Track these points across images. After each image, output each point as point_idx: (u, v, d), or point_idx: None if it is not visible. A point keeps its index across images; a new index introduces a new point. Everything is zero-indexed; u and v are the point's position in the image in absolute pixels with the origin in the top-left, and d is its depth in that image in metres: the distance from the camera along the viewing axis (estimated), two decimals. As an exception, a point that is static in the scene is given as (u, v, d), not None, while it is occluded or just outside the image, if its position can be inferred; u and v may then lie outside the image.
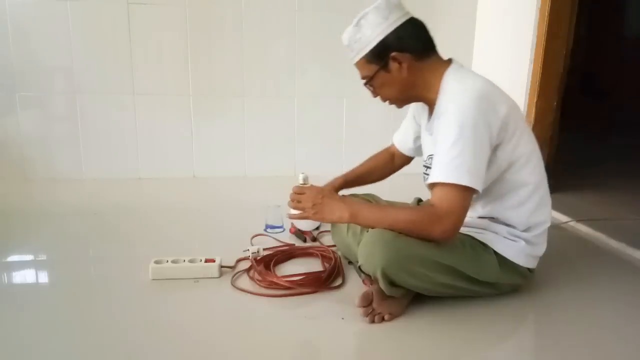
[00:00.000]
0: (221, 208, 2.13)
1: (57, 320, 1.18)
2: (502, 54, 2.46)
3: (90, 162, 2.48)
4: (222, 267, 1.42)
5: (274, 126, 2.62)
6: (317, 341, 1.13)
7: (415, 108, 1.47)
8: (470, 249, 1.21)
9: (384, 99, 1.31)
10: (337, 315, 1.21)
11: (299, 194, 1.27)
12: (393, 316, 1.19)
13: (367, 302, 1.19)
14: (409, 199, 1.55)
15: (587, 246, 1.77)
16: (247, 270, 1.44)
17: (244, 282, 1.39)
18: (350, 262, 1.50)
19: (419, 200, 1.54)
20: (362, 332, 1.16)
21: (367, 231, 1.17)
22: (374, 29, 1.19)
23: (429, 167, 1.22)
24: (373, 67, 1.23)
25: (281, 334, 1.15)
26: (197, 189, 2.44)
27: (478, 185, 1.11)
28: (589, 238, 1.83)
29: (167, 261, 1.40)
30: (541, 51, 2.14)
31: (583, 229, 1.90)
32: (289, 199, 1.31)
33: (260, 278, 1.38)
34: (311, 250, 1.59)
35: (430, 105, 1.27)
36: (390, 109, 1.38)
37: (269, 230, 1.78)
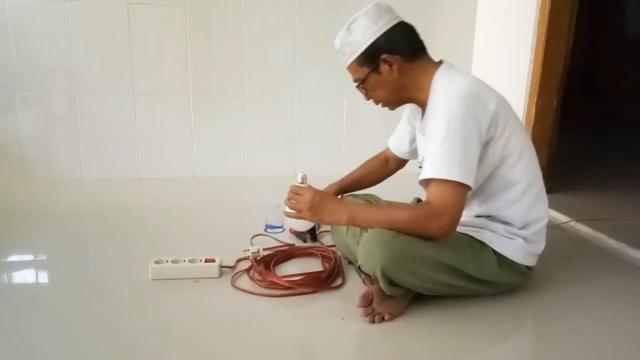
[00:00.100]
0: (221, 208, 2.13)
1: (57, 320, 1.18)
2: (502, 54, 2.46)
3: (90, 162, 2.48)
4: (222, 267, 1.42)
5: (274, 126, 2.62)
6: (317, 341, 1.13)
7: (409, 111, 1.49)
8: (469, 247, 1.21)
9: (377, 101, 1.33)
10: (337, 315, 1.21)
11: (296, 194, 1.27)
12: (393, 316, 1.19)
13: (367, 302, 1.19)
14: (409, 199, 1.54)
15: (587, 246, 1.77)
16: (247, 270, 1.44)
17: (244, 282, 1.39)
18: (350, 262, 1.50)
19: (419, 200, 1.54)
20: (362, 332, 1.16)
21: (367, 231, 1.17)
22: (365, 33, 1.22)
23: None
24: (364, 70, 1.25)
25: (281, 334, 1.15)
26: (197, 189, 2.44)
27: (469, 181, 1.12)
28: (589, 238, 1.83)
29: (167, 261, 1.40)
30: (541, 51, 2.14)
31: (583, 229, 1.90)
32: (286, 197, 1.31)
33: (260, 278, 1.38)
34: (311, 250, 1.59)
35: (422, 106, 1.29)
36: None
37: (269, 230, 1.78)
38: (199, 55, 2.46)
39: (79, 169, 2.47)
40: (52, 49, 2.33)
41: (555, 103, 2.21)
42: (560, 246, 1.73)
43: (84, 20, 2.33)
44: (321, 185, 1.60)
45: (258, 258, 1.48)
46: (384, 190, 1.61)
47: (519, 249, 1.25)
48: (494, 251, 1.23)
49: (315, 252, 1.58)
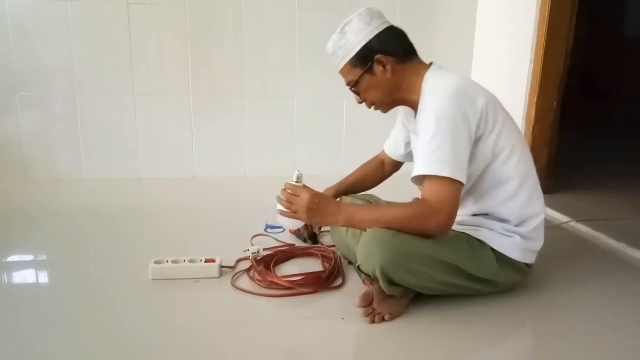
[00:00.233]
0: (221, 208, 2.13)
1: (57, 320, 1.18)
2: (502, 54, 2.46)
3: (90, 162, 2.48)
4: (222, 267, 1.42)
5: (274, 126, 2.62)
6: (317, 341, 1.12)
7: (403, 114, 1.50)
8: (467, 245, 1.22)
9: (370, 104, 1.34)
10: (337, 315, 1.21)
11: (293, 194, 1.25)
12: (393, 316, 1.19)
13: (367, 302, 1.19)
14: (409, 200, 1.54)
15: (587, 246, 1.77)
16: (247, 270, 1.44)
17: (244, 282, 1.39)
18: (350, 262, 1.50)
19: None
20: (362, 332, 1.16)
21: (365, 231, 1.18)
22: (358, 34, 1.24)
23: None
24: (358, 71, 1.27)
25: (281, 334, 1.15)
26: (197, 189, 2.44)
27: (460, 176, 1.12)
28: (589, 238, 1.83)
29: (167, 261, 1.40)
30: (541, 51, 2.14)
31: (583, 229, 1.90)
32: (278, 195, 1.29)
33: (260, 278, 1.38)
34: (311, 250, 1.59)
35: (415, 108, 1.30)
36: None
37: (269, 230, 1.78)
38: (199, 55, 2.46)
39: (79, 169, 2.47)
40: (52, 49, 2.33)
41: (555, 103, 2.21)
42: (560, 246, 1.73)
43: (84, 20, 2.33)
44: (319, 185, 1.60)
45: (258, 258, 1.48)
46: (384, 191, 1.61)
47: (516, 246, 1.25)
48: (493, 249, 1.24)
49: (315, 252, 1.58)
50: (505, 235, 1.26)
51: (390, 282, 1.15)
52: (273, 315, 1.23)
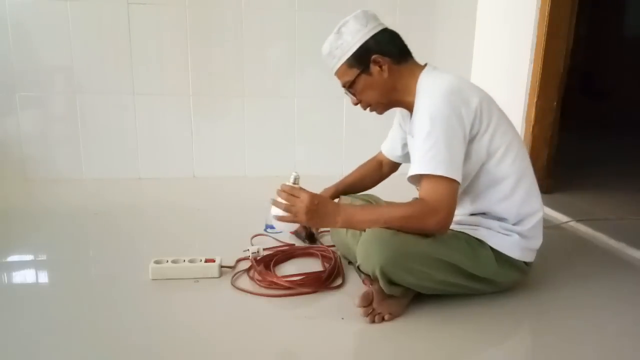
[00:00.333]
0: (221, 208, 2.13)
1: (57, 320, 1.18)
2: (502, 54, 2.46)
3: (90, 162, 2.48)
4: (222, 267, 1.42)
5: (274, 126, 2.62)
6: (317, 341, 1.12)
7: (399, 115, 1.51)
8: (466, 244, 1.22)
9: (365, 105, 1.35)
10: (337, 315, 1.21)
11: (291, 195, 1.23)
12: (393, 316, 1.19)
13: (367, 302, 1.19)
14: (409, 199, 1.54)
15: (587, 246, 1.77)
16: (247, 270, 1.44)
17: (244, 282, 1.39)
18: (350, 262, 1.50)
19: (417, 200, 1.55)
20: (362, 332, 1.16)
21: (365, 231, 1.18)
22: (355, 35, 1.25)
23: None
24: (354, 71, 1.28)
25: (281, 334, 1.15)
26: (197, 189, 2.44)
27: (456, 175, 1.13)
28: (589, 238, 1.83)
29: (167, 261, 1.40)
30: (541, 51, 2.14)
31: (583, 229, 1.90)
32: (272, 197, 1.27)
33: (260, 278, 1.38)
34: (311, 250, 1.59)
35: (410, 109, 1.31)
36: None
37: (269, 230, 1.78)
38: (199, 55, 2.46)
39: (79, 169, 2.47)
40: (52, 49, 2.33)
41: (555, 103, 2.21)
42: (560, 246, 1.73)
43: (84, 20, 2.33)
44: (319, 185, 1.60)
45: (258, 258, 1.48)
46: (383, 191, 1.61)
47: (515, 244, 1.26)
48: (492, 248, 1.24)
49: (315, 252, 1.58)
50: (503, 234, 1.26)
51: (390, 282, 1.15)
52: (273, 315, 1.23)
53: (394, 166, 1.64)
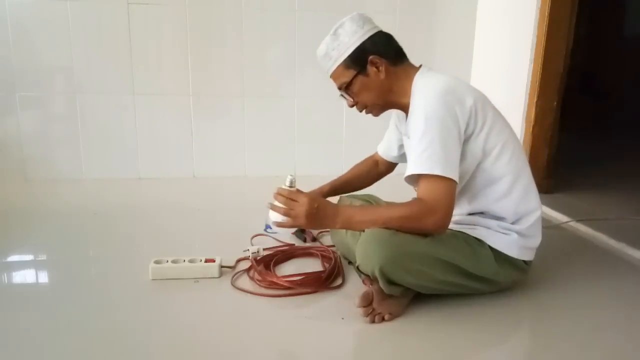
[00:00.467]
0: (221, 208, 2.13)
1: (57, 320, 1.18)
2: (502, 54, 2.46)
3: (90, 162, 2.48)
4: (222, 267, 1.42)
5: (274, 126, 2.62)
6: (317, 341, 1.13)
7: (395, 117, 1.52)
8: (465, 244, 1.22)
9: (362, 106, 1.35)
10: (337, 315, 1.21)
11: (290, 199, 1.22)
12: (393, 316, 1.19)
13: (367, 302, 1.19)
14: (408, 199, 1.54)
15: (587, 246, 1.77)
16: (247, 270, 1.44)
17: (244, 282, 1.39)
18: (350, 262, 1.50)
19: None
20: (362, 332, 1.16)
21: (364, 231, 1.18)
22: (351, 36, 1.26)
23: None
24: (351, 72, 1.28)
25: (281, 334, 1.15)
26: (197, 189, 2.44)
27: (452, 174, 1.13)
28: (589, 238, 1.83)
29: (167, 261, 1.40)
30: (541, 51, 2.14)
31: (583, 229, 1.90)
32: (269, 202, 1.26)
33: (260, 278, 1.38)
34: (311, 250, 1.59)
35: (406, 110, 1.31)
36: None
37: (269, 230, 1.77)
38: (199, 55, 2.46)
39: (79, 169, 2.47)
40: (52, 49, 2.33)
41: (555, 103, 2.21)
42: (560, 246, 1.73)
43: (84, 20, 2.33)
44: (317, 186, 1.60)
45: (258, 258, 1.48)
46: (382, 191, 1.61)
47: (514, 243, 1.26)
48: (491, 247, 1.24)
49: (315, 252, 1.58)
50: (502, 232, 1.26)
51: (390, 282, 1.15)
52: (273, 315, 1.23)
53: (390, 166, 1.64)
